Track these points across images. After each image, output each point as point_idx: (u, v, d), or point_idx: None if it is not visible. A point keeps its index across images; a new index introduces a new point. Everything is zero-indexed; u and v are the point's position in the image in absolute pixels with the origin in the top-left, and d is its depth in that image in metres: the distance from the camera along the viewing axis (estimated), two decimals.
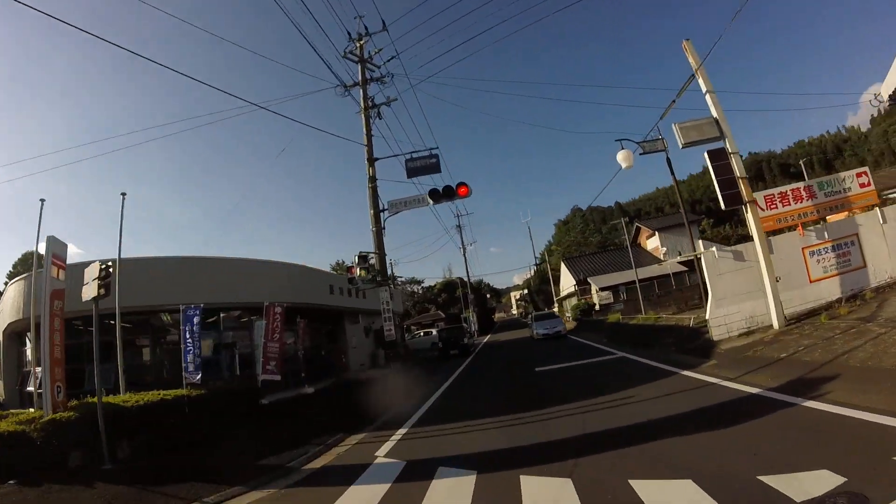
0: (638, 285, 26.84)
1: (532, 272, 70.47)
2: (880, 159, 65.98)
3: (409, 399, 11.61)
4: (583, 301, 33.65)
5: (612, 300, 32.62)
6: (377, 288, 14.57)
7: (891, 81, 12.94)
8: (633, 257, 40.11)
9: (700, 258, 12.17)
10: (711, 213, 52.75)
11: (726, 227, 45.02)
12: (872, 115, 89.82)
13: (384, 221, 15.26)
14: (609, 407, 7.48)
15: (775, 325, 11.32)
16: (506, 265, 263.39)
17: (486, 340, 37.39)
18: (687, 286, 30.12)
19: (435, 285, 62.96)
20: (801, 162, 39.86)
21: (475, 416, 8.53)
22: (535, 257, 66.15)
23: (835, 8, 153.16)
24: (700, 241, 33.75)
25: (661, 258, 37.80)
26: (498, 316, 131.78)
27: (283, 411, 11.47)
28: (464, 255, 50.71)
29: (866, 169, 14.41)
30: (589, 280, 35.55)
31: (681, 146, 12.34)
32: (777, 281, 11.65)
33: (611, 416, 6.88)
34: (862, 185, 13.36)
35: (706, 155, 12.20)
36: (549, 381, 11.83)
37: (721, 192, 11.96)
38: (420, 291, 65.28)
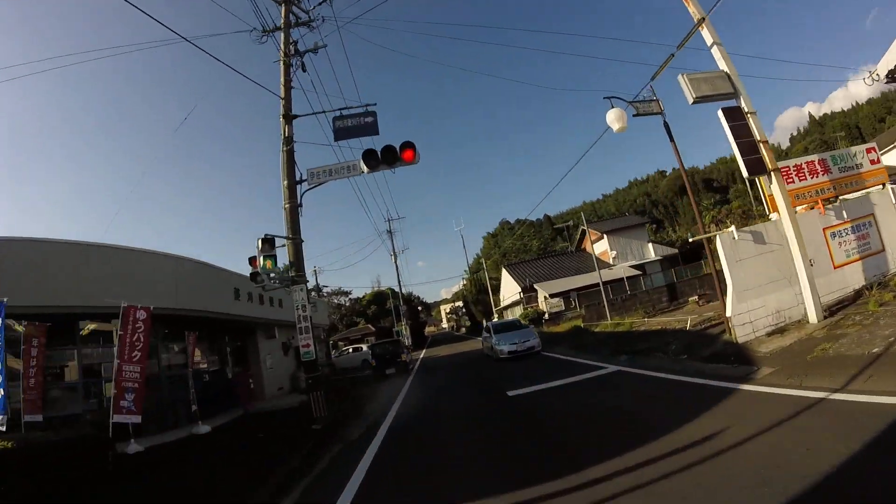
0: (603, 289, 24.75)
1: (465, 282, 68.09)
2: None
3: (338, 443, 8.15)
4: (530, 309, 31.34)
5: (563, 307, 30.59)
6: (291, 287, 10.92)
7: (888, 59, 11.51)
8: (579, 262, 38.98)
9: (716, 240, 9.74)
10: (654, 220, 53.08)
11: (668, 231, 44.95)
12: (792, 133, 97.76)
13: (302, 196, 11.71)
14: (700, 469, 4.13)
15: (812, 318, 9.24)
16: (433, 278, 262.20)
17: (423, 356, 34.08)
18: (643, 290, 28.59)
19: (364, 297, 58.84)
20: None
21: (459, 495, 4.75)
22: (468, 267, 64.03)
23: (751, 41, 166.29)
24: (650, 244, 32.85)
25: (611, 262, 36.53)
26: (429, 330, 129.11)
27: (155, 465, 7.73)
28: (395, 262, 47.21)
29: (874, 144, 13.08)
30: (535, 287, 33.41)
31: (691, 101, 10.05)
32: (811, 265, 9.50)
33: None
34: (872, 162, 12.11)
35: (720, 114, 10.00)
36: (541, 413, 8.26)
37: (742, 157, 9.79)
38: (348, 304, 60.84)
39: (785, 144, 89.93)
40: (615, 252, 36.87)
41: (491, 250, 59.10)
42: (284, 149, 11.78)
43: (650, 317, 21.00)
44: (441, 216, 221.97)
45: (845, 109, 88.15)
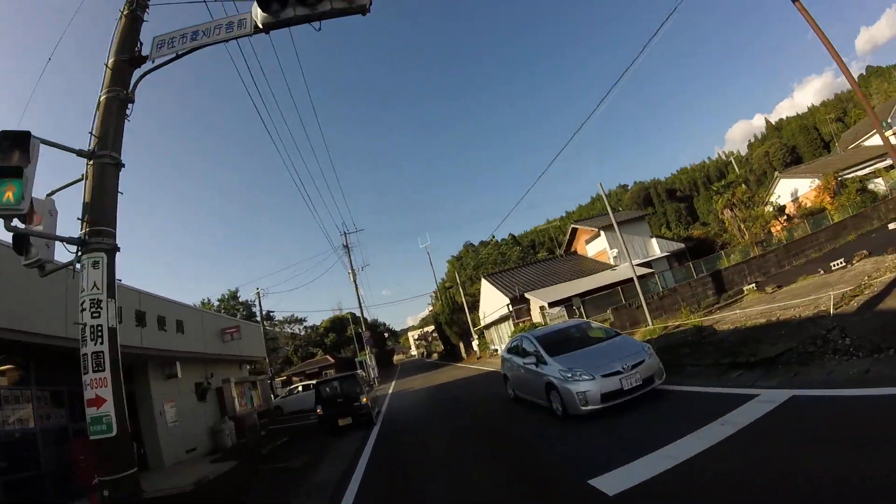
0: (640, 288, 19.13)
1: (435, 303, 61.86)
2: (762, 178, 69.63)
3: None
4: (524, 324, 25.51)
5: (566, 317, 24.97)
6: (80, 259, 4.73)
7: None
8: (573, 266, 33.59)
9: None
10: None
11: (661, 228, 40.29)
12: (749, 140, 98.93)
13: (137, 81, 5.61)
14: None
15: None
16: (399, 308, 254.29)
17: (392, 391, 27.63)
18: (665, 292, 23.25)
19: (321, 324, 51.94)
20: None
21: None
22: (437, 286, 57.86)
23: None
24: (654, 240, 27.85)
25: (612, 262, 31.30)
26: (397, 358, 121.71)
27: None
28: (353, 280, 40.76)
29: None
30: (527, 296, 27.69)
31: None
32: None
33: None
34: None
35: None
36: None
37: None
38: (303, 332, 53.71)
39: (744, 151, 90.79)
40: (615, 251, 31.70)
41: (458, 272, 52.88)
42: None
43: (706, 313, 15.71)
44: (404, 241, 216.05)
45: (800, 113, 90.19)
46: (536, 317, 26.85)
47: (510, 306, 28.29)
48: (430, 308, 71.73)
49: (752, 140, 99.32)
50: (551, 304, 25.16)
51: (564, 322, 11.27)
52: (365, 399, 13.93)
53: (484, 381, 20.14)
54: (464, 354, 45.03)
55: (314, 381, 27.85)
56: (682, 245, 34.47)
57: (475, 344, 39.91)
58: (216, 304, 58.62)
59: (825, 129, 69.06)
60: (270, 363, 50.39)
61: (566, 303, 25.71)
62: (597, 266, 32.01)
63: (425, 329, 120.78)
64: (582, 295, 25.99)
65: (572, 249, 37.64)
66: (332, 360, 40.51)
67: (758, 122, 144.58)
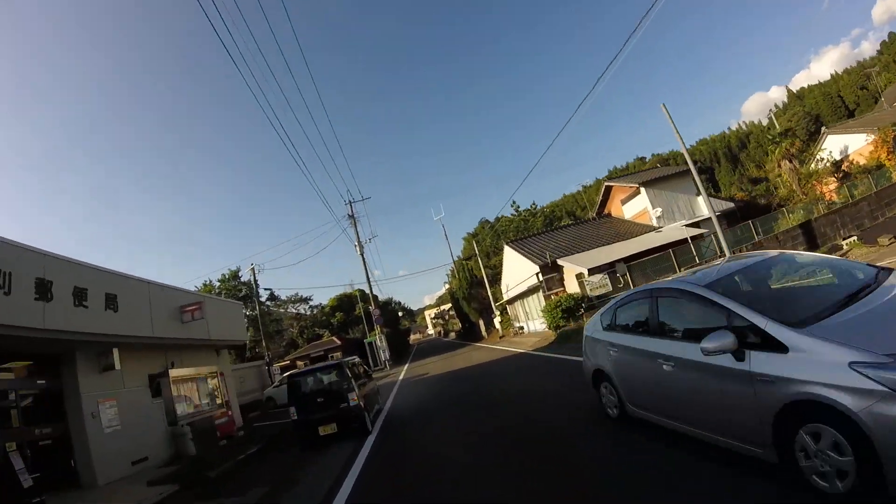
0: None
1: (451, 279, 57.96)
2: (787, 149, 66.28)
3: None
4: (558, 296, 21.40)
5: (609, 287, 20.85)
6: None
7: None
8: (610, 229, 29.28)
9: None
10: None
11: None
12: (771, 110, 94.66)
13: None
14: None
15: None
16: (415, 287, 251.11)
17: (402, 377, 23.89)
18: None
19: (328, 303, 48.44)
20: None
21: None
22: (453, 260, 53.74)
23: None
24: (701, 198, 23.30)
25: (655, 223, 26.98)
26: (414, 338, 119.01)
27: None
28: (360, 253, 36.93)
29: None
30: (560, 263, 23.51)
31: None
32: None
33: None
34: None
35: None
36: None
37: None
38: (310, 313, 50.35)
39: (764, 122, 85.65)
40: (659, 210, 27.28)
41: (476, 247, 48.56)
42: None
43: None
44: (417, 219, 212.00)
45: (822, 81, 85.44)
46: (571, 287, 22.72)
47: (539, 275, 24.17)
48: (447, 286, 67.96)
49: (774, 109, 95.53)
50: (591, 272, 20.99)
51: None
52: (356, 398, 10.04)
53: (515, 368, 16.23)
54: (484, 333, 41.20)
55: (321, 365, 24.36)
56: (732, 204, 29.92)
57: (497, 321, 35.99)
58: (217, 285, 55.51)
59: (849, 96, 67.30)
60: (275, 346, 47.32)
61: (608, 269, 21.55)
62: (636, 228, 27.64)
63: (442, 307, 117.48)
64: (626, 260, 21.80)
65: (606, 211, 33.23)
66: (339, 342, 36.94)
67: (774, 94, 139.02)
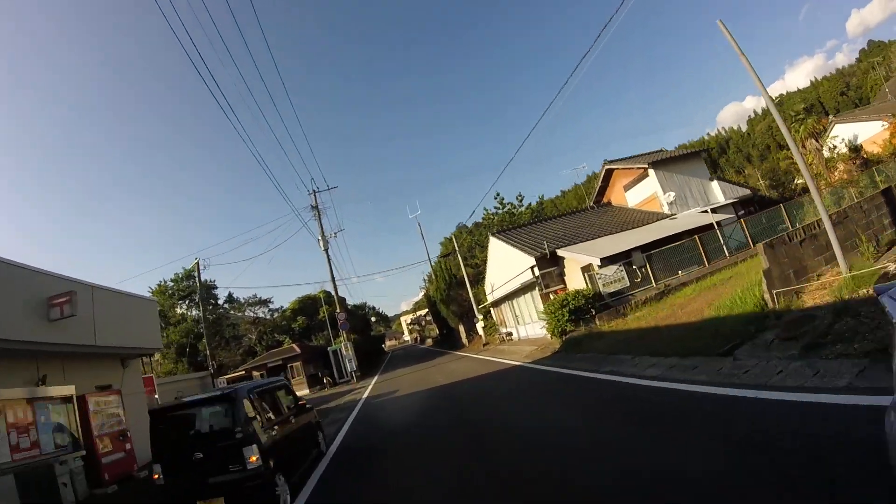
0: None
1: (428, 284, 53.74)
2: (765, 153, 69.71)
3: None
4: (571, 293, 17.24)
5: (625, 279, 17.05)
6: None
7: None
8: (614, 218, 25.53)
9: None
10: None
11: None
12: (749, 116, 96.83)
13: None
14: None
15: None
16: (392, 292, 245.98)
17: (366, 396, 19.68)
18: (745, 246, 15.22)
19: (289, 306, 43.79)
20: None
21: None
22: (429, 259, 49.46)
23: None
24: (715, 183, 20.12)
25: (667, 210, 23.31)
26: (389, 344, 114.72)
27: None
28: (324, 248, 32.56)
29: None
30: (562, 254, 19.53)
31: None
32: None
33: None
34: None
35: None
36: None
37: None
38: (270, 317, 45.63)
39: (745, 128, 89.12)
40: (671, 194, 23.61)
41: (449, 264, 43.85)
42: None
43: None
44: (392, 219, 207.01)
45: (801, 88, 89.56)
46: (574, 283, 18.76)
47: (535, 270, 20.18)
48: (424, 290, 63.78)
49: (752, 116, 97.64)
50: (604, 262, 17.07)
51: None
52: (257, 458, 5.83)
53: (511, 387, 12.14)
54: (464, 340, 37.08)
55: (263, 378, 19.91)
56: (749, 191, 26.51)
57: (480, 326, 31.92)
58: (171, 285, 50.37)
59: (830, 102, 69.65)
60: (230, 354, 42.54)
61: (623, 260, 17.70)
62: (645, 217, 23.89)
63: (419, 313, 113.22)
64: (644, 248, 18.00)
65: (605, 199, 29.50)
66: (298, 350, 32.35)
67: (749, 104, 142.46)
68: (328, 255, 33.32)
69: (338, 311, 32.66)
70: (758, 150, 76.87)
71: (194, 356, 42.47)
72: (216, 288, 49.27)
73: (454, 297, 37.85)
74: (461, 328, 38.28)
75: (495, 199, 39.04)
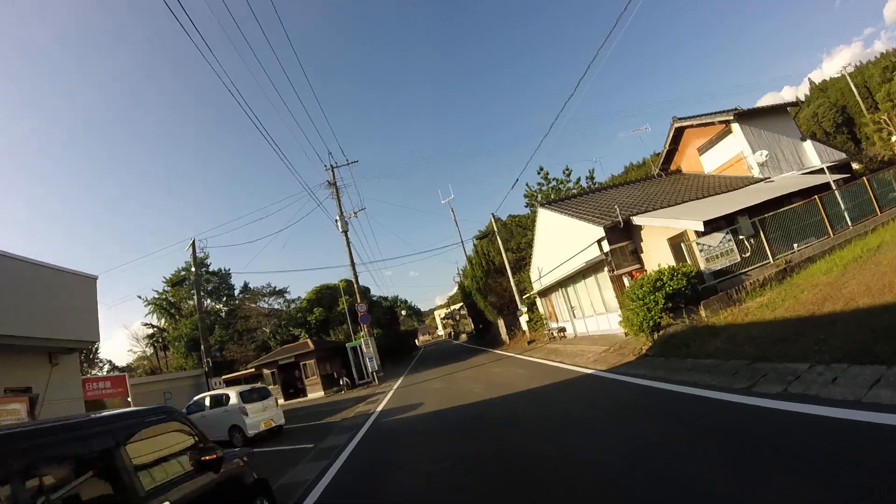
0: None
1: (463, 273, 49.58)
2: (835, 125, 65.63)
3: None
4: (667, 271, 12.50)
5: (735, 255, 12.50)
6: None
7: None
8: (685, 186, 20.74)
9: None
10: None
11: None
12: (797, 98, 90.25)
13: None
14: None
15: None
16: (426, 287, 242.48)
17: (383, 408, 15.76)
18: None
19: (306, 296, 40.39)
20: None
21: None
22: (462, 246, 45.05)
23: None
24: (808, 143, 15.89)
25: (757, 172, 18.40)
26: (422, 339, 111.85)
27: None
28: (342, 230, 28.86)
29: None
30: (641, 221, 14.95)
31: None
32: None
33: None
34: None
35: None
36: None
37: None
38: (286, 308, 42.41)
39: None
40: (763, 153, 18.64)
41: (486, 248, 38.71)
42: None
43: None
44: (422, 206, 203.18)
45: (849, 72, 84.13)
46: (656, 260, 14.14)
47: (604, 244, 15.71)
48: (458, 282, 59.73)
49: (800, 97, 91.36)
50: (707, 227, 12.43)
51: None
52: None
53: (605, 413, 7.34)
54: (504, 336, 32.74)
55: (242, 387, 16.12)
56: (845, 155, 21.20)
57: (524, 320, 27.53)
58: (183, 274, 47.93)
59: (876, 87, 65.21)
60: (242, 349, 39.48)
61: (729, 225, 13.09)
62: (729, 183, 18.92)
63: (452, 307, 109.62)
64: (755, 210, 13.33)
65: (673, 167, 24.56)
66: (312, 347, 28.65)
67: (787, 94, 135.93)
68: (347, 238, 29.60)
69: (358, 301, 28.89)
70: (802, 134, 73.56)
71: (210, 353, 39.55)
72: (231, 276, 46.47)
73: (492, 287, 33.52)
74: (500, 322, 33.93)
75: (538, 173, 34.34)
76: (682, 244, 13.16)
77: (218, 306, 44.34)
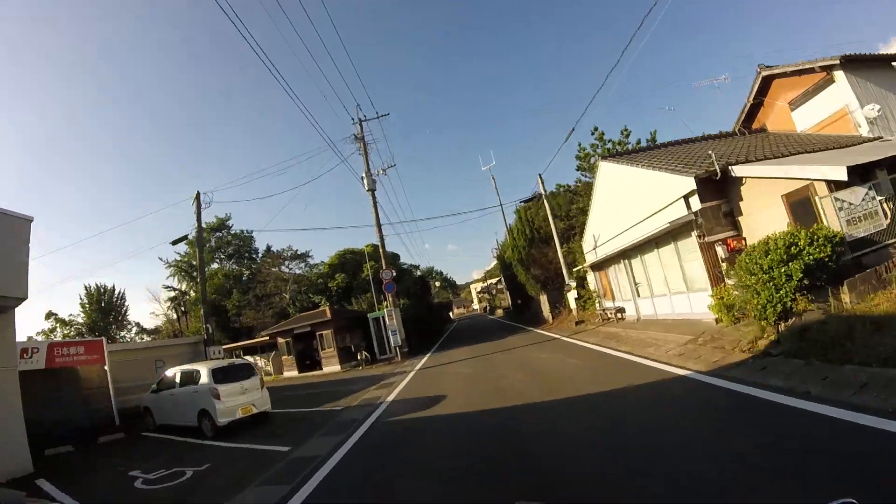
0: None
1: (504, 245, 46.42)
2: None
3: None
4: (803, 234, 9.09)
5: (879, 217, 9.07)
6: None
7: None
8: (772, 144, 16.90)
9: None
10: None
11: None
12: None
13: None
14: None
15: None
16: (464, 260, 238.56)
17: (394, 397, 13.12)
18: None
19: (327, 261, 38.18)
20: None
21: None
22: (503, 209, 41.56)
23: None
24: None
25: (866, 132, 14.51)
26: (457, 312, 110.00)
27: None
28: (368, 189, 26.23)
29: None
30: (741, 172, 11.51)
31: None
32: None
33: None
34: None
35: None
36: None
37: None
38: (308, 273, 40.44)
39: None
40: (874, 107, 14.67)
41: (531, 214, 34.49)
42: None
43: None
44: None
45: None
46: (763, 226, 10.75)
47: (692, 201, 12.39)
48: (496, 254, 56.76)
49: None
50: (851, 176, 8.99)
51: None
52: None
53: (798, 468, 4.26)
54: (547, 314, 29.63)
55: (225, 360, 13.65)
56: None
57: (571, 297, 24.34)
58: (194, 236, 46.49)
59: None
60: (260, 316, 37.72)
61: (871, 178, 9.59)
62: (831, 143, 14.97)
63: (489, 281, 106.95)
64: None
65: (757, 125, 20.54)
66: (329, 316, 26.28)
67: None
68: (374, 197, 26.85)
69: (384, 267, 26.24)
70: None
71: (223, 315, 37.96)
72: (254, 240, 44.69)
73: (536, 258, 30.27)
74: (543, 298, 30.78)
75: (592, 133, 30.50)
76: (813, 199, 9.65)
77: (239, 269, 42.74)
